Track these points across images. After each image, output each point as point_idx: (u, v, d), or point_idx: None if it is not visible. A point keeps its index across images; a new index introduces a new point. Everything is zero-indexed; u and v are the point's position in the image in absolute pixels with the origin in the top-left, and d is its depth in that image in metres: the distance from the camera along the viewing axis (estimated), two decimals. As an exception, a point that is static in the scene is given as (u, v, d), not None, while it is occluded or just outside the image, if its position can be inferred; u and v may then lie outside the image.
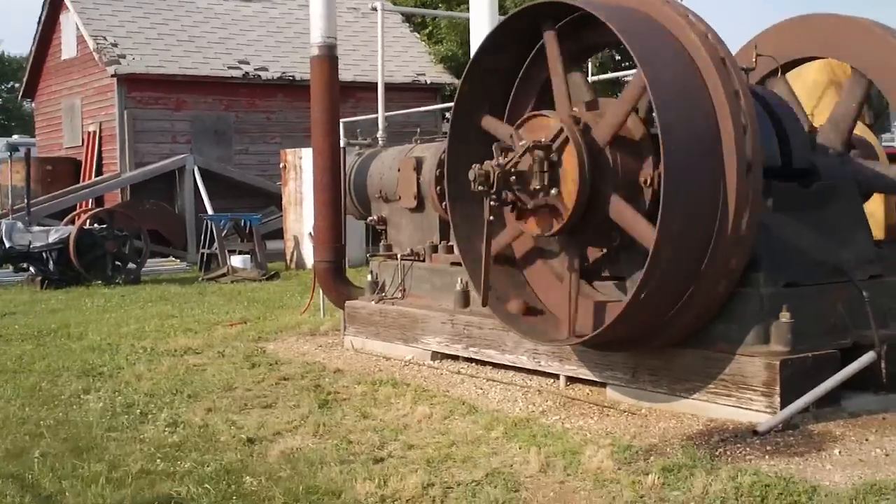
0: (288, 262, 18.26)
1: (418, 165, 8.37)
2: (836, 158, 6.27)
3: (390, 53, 24.37)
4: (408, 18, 26.86)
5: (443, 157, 8.17)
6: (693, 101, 5.13)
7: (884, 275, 5.98)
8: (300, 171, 18.12)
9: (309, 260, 17.92)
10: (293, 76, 21.94)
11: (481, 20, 9.11)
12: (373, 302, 8.48)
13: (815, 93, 9.45)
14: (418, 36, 25.99)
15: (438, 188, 8.15)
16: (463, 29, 27.13)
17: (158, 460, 5.30)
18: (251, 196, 21.02)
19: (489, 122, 6.33)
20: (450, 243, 8.05)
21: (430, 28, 27.71)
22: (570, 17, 5.99)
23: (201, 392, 6.91)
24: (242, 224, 18.01)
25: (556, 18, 5.98)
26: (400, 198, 8.58)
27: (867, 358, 5.48)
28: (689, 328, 5.53)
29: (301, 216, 18.10)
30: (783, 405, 5.22)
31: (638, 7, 5.57)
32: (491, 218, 5.65)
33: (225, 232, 17.68)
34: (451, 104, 21.91)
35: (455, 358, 7.61)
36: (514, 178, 5.50)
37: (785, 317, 5.35)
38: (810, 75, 8.08)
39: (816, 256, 5.75)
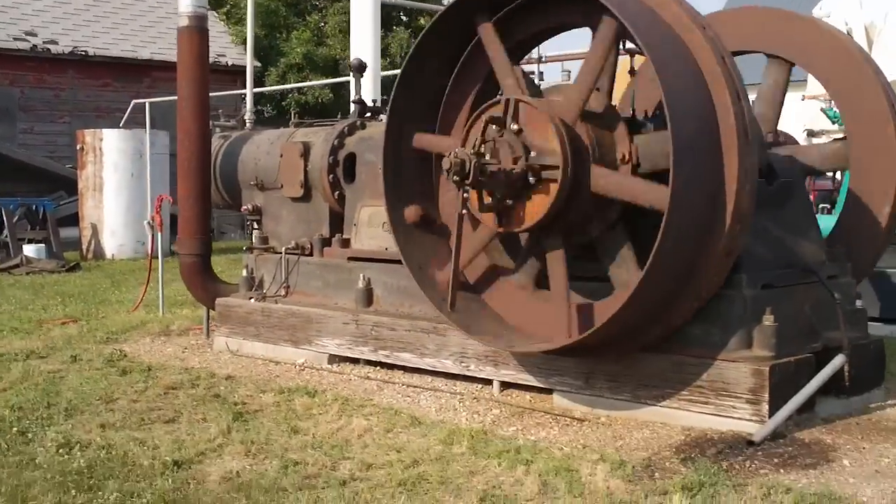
0: (84, 252, 16.82)
1: (305, 151, 7.66)
2: (784, 155, 6.10)
3: (186, 32, 23.11)
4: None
5: (336, 143, 7.54)
6: (689, 74, 4.81)
7: (838, 276, 5.85)
8: (100, 153, 16.75)
9: (109, 250, 16.66)
10: (86, 51, 20.35)
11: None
12: (252, 300, 7.69)
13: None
14: (217, 14, 24.74)
15: (331, 176, 7.49)
16: (265, 10, 26.11)
17: (73, 491, 4.44)
18: (37, 179, 19.29)
19: (423, 140, 5.83)
20: (345, 236, 7.40)
21: (228, 6, 26.45)
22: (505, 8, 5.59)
23: (80, 405, 5.97)
24: (35, 209, 16.48)
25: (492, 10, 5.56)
26: (282, 186, 7.83)
27: (839, 361, 5.31)
28: (676, 326, 5.18)
29: (101, 203, 16.76)
30: (771, 413, 4.95)
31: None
32: (465, 211, 5.09)
33: (16, 218, 16.09)
34: (269, 88, 20.73)
35: (355, 361, 6.99)
36: (489, 160, 4.99)
37: (769, 320, 5.09)
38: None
39: (785, 257, 5.53)
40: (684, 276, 4.94)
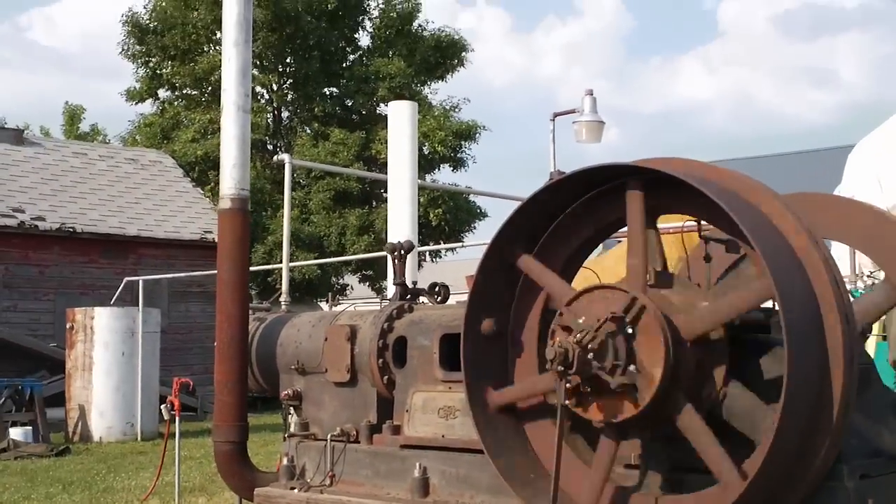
0: (70, 434, 16.35)
1: (352, 335, 7.55)
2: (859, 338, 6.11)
3: (173, 208, 23.33)
4: (187, 173, 25.88)
5: (385, 326, 7.45)
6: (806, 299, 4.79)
7: (921, 463, 5.78)
8: (91, 332, 16.50)
9: (97, 432, 16.22)
10: (73, 228, 20.32)
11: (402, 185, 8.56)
12: (294, 490, 7.41)
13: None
14: (202, 192, 24.95)
15: (381, 361, 7.37)
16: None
17: None
18: (19, 358, 18.90)
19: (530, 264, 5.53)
20: (396, 422, 7.23)
21: (212, 184, 26.73)
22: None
23: None
24: (21, 390, 16.06)
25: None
26: (326, 370, 7.69)
27: (939, 555, 5.20)
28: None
29: (90, 383, 16.40)
30: None
31: (732, 185, 5.16)
32: (567, 402, 4.97)
33: (3, 400, 15.67)
34: (300, 263, 20.45)
35: (411, 554, 6.72)
36: (591, 354, 4.86)
37: (873, 513, 4.99)
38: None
39: (873, 445, 5.47)
40: (797, 461, 4.85)
